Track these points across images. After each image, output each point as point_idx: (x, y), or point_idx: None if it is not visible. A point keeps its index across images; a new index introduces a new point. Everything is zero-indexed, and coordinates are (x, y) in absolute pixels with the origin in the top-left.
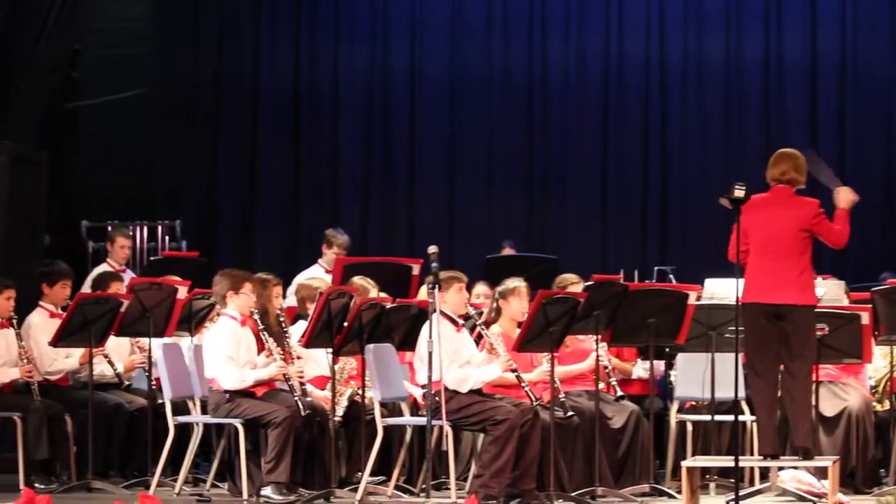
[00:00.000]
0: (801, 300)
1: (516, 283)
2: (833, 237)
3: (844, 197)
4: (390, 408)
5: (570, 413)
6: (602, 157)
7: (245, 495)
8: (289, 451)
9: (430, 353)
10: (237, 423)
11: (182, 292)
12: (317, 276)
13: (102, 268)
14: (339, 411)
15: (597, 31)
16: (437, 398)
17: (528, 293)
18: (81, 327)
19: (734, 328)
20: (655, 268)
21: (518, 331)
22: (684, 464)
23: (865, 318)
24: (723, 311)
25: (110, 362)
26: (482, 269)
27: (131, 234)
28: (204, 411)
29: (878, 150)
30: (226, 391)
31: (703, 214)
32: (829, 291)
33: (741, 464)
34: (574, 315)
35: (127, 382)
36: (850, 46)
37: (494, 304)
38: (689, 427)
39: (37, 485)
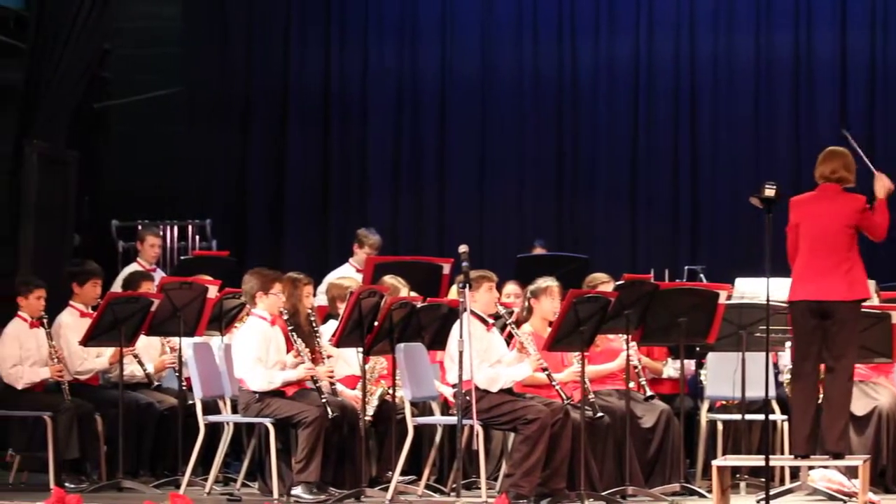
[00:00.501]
0: (849, 296)
1: (548, 282)
2: (874, 230)
3: (882, 185)
4: (421, 407)
5: (599, 414)
6: (632, 157)
7: (275, 495)
8: (319, 451)
9: (461, 353)
10: (267, 422)
11: (212, 292)
12: (347, 275)
13: (133, 267)
14: (370, 411)
15: (627, 30)
16: (467, 397)
17: (559, 292)
18: (112, 327)
19: (765, 327)
20: (686, 267)
21: (549, 330)
22: (715, 463)
23: None
24: (753, 310)
25: (140, 362)
26: (512, 268)
27: (161, 233)
28: (234, 411)
29: None
30: (255, 391)
31: (733, 213)
32: None
33: (772, 463)
34: (605, 314)
35: (157, 382)
36: (879, 44)
37: (526, 303)
38: (720, 426)
39: (67, 484)
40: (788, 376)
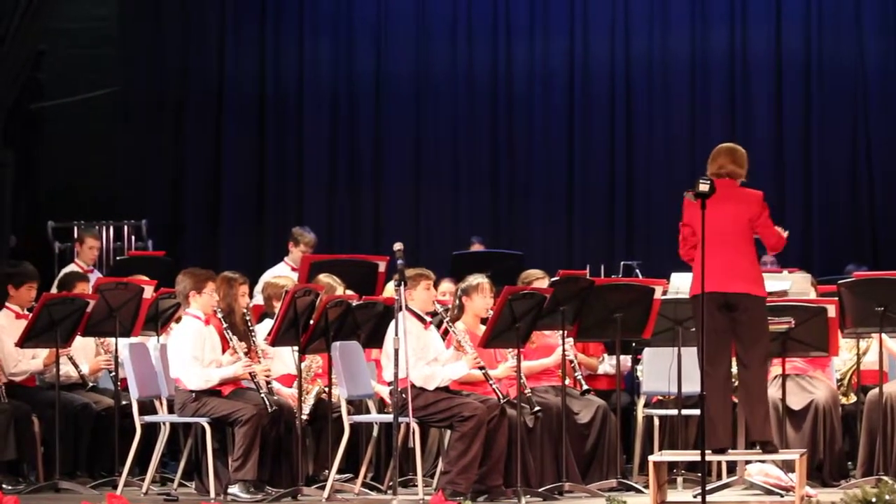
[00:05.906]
0: (754, 290)
1: (479, 279)
2: (773, 240)
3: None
4: (357, 405)
5: (537, 408)
6: (568, 153)
7: (212, 494)
8: (256, 450)
9: (397, 351)
10: (204, 421)
11: (148, 292)
12: (283, 274)
13: (70, 268)
14: (306, 409)
15: (561, 29)
16: (403, 395)
17: (491, 289)
18: (48, 328)
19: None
20: (621, 262)
21: (482, 327)
22: (651, 458)
23: (832, 311)
24: (689, 305)
25: (74, 363)
26: (448, 265)
27: (99, 235)
28: (171, 411)
29: (842, 146)
30: (192, 390)
31: (668, 209)
32: (796, 284)
33: (708, 458)
34: (540, 311)
35: (92, 384)
36: (814, 43)
37: (457, 302)
38: (656, 422)
39: (4, 486)
40: None
